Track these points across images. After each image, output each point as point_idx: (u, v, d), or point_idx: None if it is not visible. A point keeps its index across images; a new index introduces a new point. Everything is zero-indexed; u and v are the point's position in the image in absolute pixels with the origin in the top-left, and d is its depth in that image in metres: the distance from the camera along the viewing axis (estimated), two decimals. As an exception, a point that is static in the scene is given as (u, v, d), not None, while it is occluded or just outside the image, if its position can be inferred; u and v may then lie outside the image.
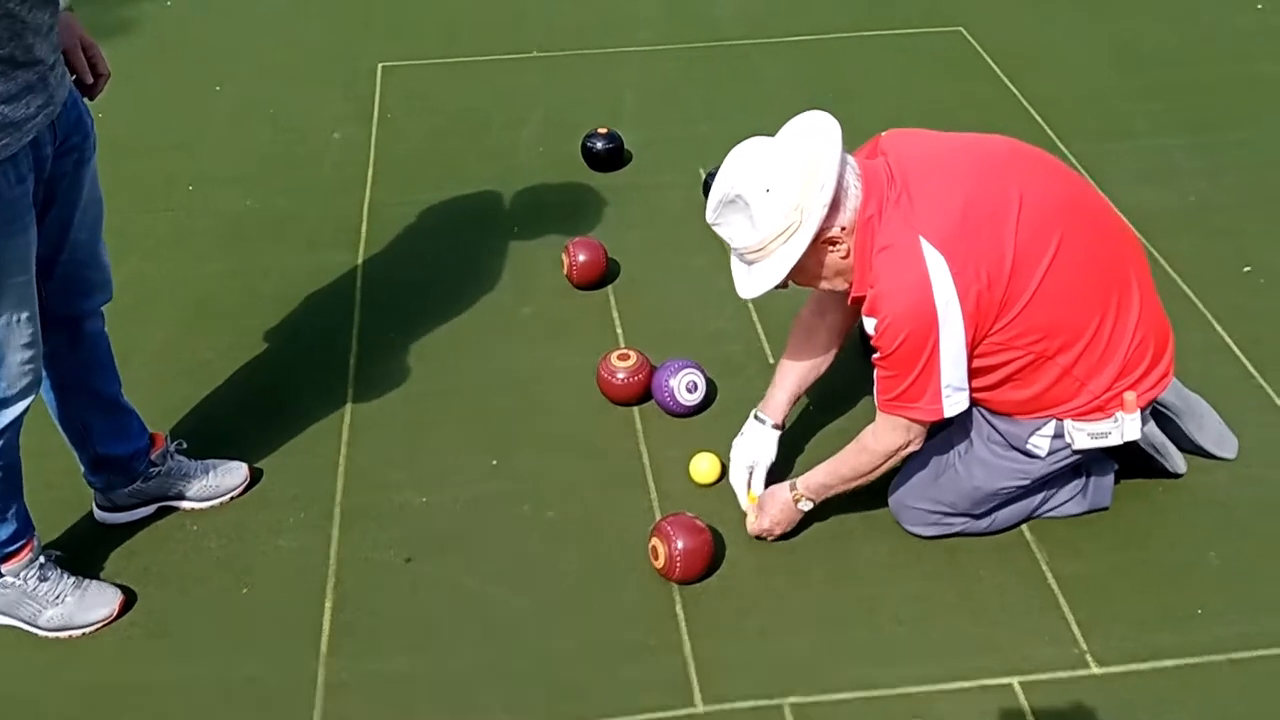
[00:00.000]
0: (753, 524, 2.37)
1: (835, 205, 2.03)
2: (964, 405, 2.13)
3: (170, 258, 3.28)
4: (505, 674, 2.16)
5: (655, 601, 2.29)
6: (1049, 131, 3.76)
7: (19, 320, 1.93)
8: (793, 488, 2.34)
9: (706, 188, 2.12)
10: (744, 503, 2.41)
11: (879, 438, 2.23)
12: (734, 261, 2.17)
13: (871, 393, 2.21)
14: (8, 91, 1.77)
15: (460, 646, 2.21)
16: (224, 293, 3.13)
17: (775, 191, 2.02)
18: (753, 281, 2.12)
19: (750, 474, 2.44)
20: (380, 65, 4.21)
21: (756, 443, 2.45)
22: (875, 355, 2.12)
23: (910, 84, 4.08)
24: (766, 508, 2.37)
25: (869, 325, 2.10)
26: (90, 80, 2.05)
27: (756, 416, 2.47)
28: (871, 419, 2.24)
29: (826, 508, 2.41)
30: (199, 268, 3.23)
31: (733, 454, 2.46)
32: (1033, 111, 3.87)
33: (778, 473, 2.46)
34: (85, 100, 2.08)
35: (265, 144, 3.80)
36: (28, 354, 1.98)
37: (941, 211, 2.05)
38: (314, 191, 3.54)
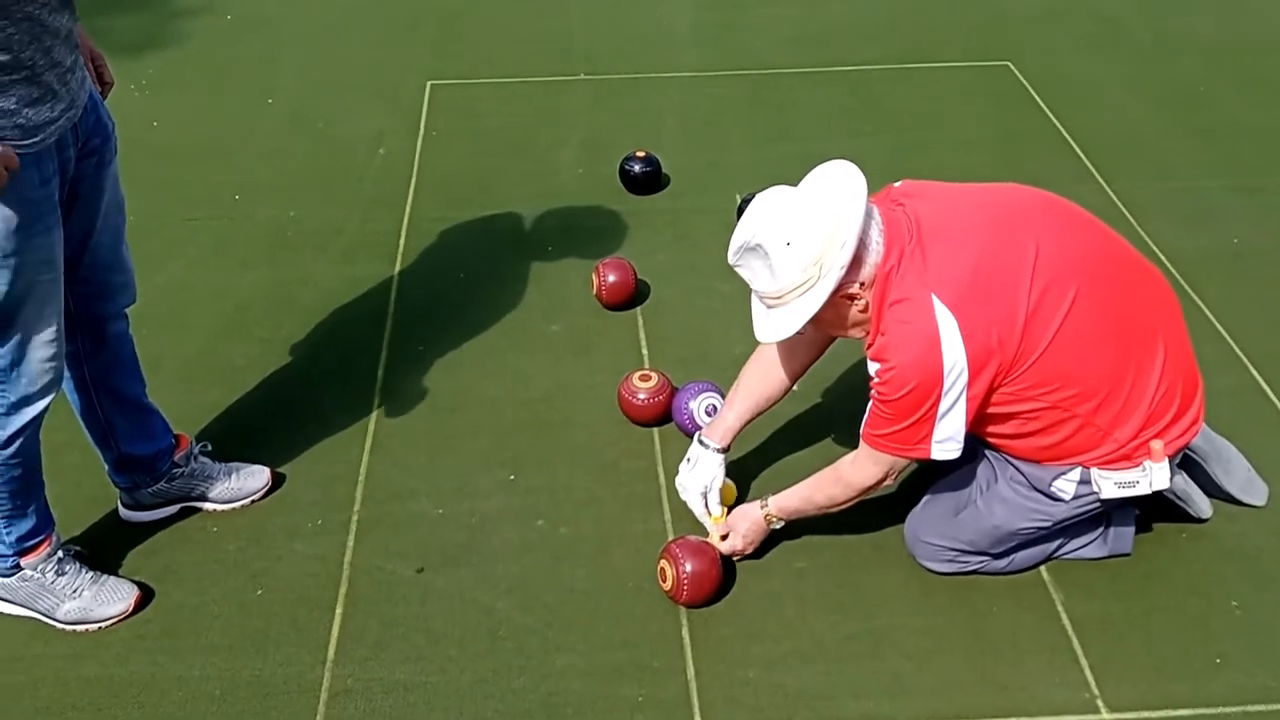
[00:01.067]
0: (724, 544, 2.36)
1: (855, 262, 2.04)
2: (955, 454, 2.12)
3: (211, 265, 3.35)
4: (507, 688, 2.16)
5: (661, 623, 2.28)
6: (1092, 169, 3.72)
7: (43, 318, 1.98)
8: (764, 506, 2.34)
9: (740, 212, 2.13)
10: (707, 524, 2.41)
11: (857, 469, 2.22)
12: (754, 302, 2.18)
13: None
14: (30, 95, 1.82)
15: (464, 659, 2.22)
16: (261, 301, 3.18)
17: (795, 245, 2.02)
18: (770, 326, 2.13)
19: (705, 499, 2.43)
20: (429, 83, 4.28)
21: (706, 470, 2.43)
22: (874, 394, 2.12)
23: (955, 118, 4.06)
24: (739, 528, 2.36)
25: (872, 369, 2.10)
26: (98, 89, 2.10)
27: (701, 441, 2.46)
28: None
29: (837, 533, 2.42)
30: (238, 276, 3.29)
31: (685, 481, 2.46)
32: (1077, 149, 3.84)
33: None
34: (105, 104, 2.13)
35: (312, 156, 3.87)
36: (50, 352, 2.02)
37: (953, 270, 2.05)
38: (356, 204, 3.60)
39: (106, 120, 2.10)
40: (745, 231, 2.07)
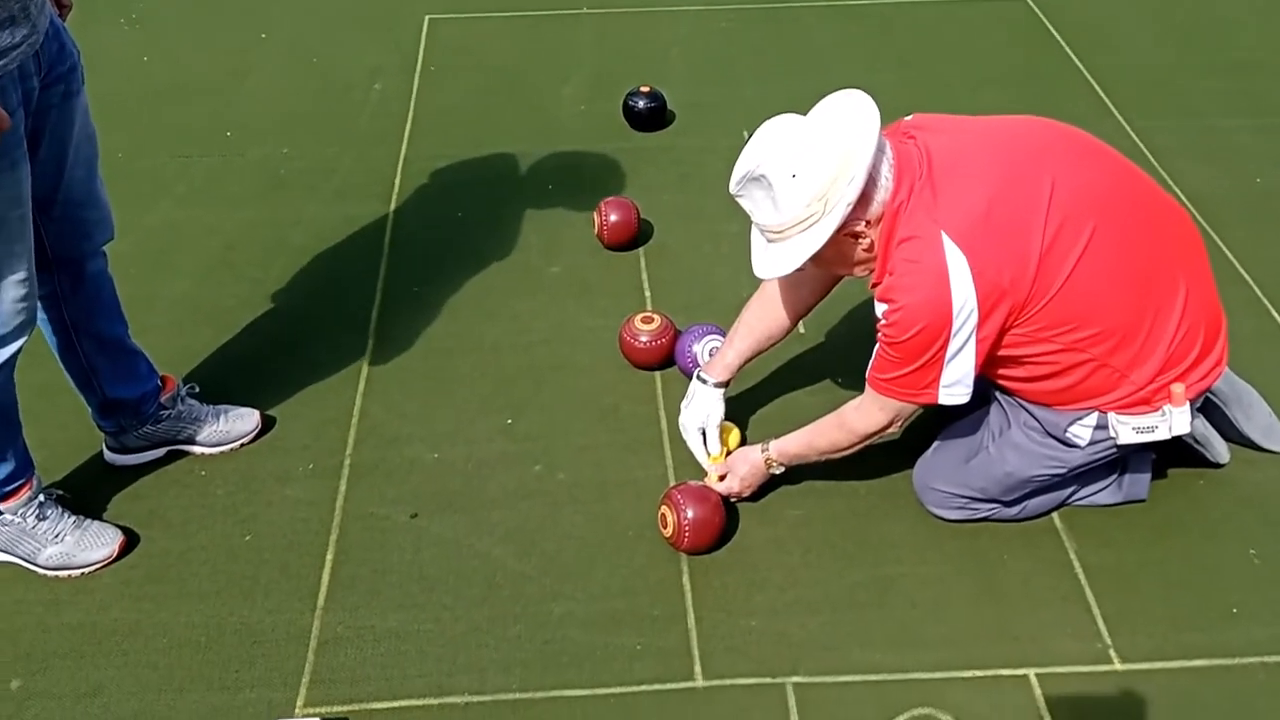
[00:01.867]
0: (721, 485, 2.29)
1: (863, 199, 1.94)
2: (964, 399, 2.04)
3: (203, 203, 3.26)
4: (503, 636, 2.11)
5: (662, 571, 2.22)
6: (1111, 107, 3.61)
7: (13, 256, 1.90)
8: (764, 449, 2.27)
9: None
10: (705, 463, 2.35)
11: (863, 415, 2.15)
12: (754, 234, 2.09)
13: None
14: None
15: (459, 606, 2.16)
16: (253, 240, 3.10)
17: (801, 178, 1.92)
18: (769, 261, 2.04)
19: (704, 435, 2.38)
20: (427, 18, 4.16)
21: (704, 404, 2.38)
22: (881, 336, 2.03)
23: (970, 53, 3.94)
24: (737, 469, 2.30)
25: (879, 310, 2.02)
26: (57, 13, 2.00)
27: (700, 377, 2.40)
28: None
29: (844, 479, 2.35)
30: (230, 214, 3.20)
31: (683, 419, 2.40)
32: (1096, 86, 3.72)
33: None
34: (68, 30, 2.02)
35: (306, 93, 3.76)
36: (21, 292, 1.94)
37: (965, 206, 1.95)
38: (351, 142, 3.50)
39: (71, 47, 2.00)
40: (749, 160, 1.97)
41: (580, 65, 3.88)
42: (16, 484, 2.15)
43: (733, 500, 2.32)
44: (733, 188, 2.03)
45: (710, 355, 2.53)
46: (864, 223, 1.98)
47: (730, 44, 4.00)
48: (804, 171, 1.92)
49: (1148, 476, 2.31)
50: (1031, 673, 2.04)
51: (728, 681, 2.04)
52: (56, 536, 2.18)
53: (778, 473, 2.30)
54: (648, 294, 2.91)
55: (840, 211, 1.92)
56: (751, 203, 2.01)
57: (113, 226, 2.21)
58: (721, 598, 2.17)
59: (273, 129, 3.57)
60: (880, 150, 1.95)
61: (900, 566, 2.23)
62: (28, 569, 2.20)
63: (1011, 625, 2.12)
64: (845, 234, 1.98)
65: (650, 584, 2.20)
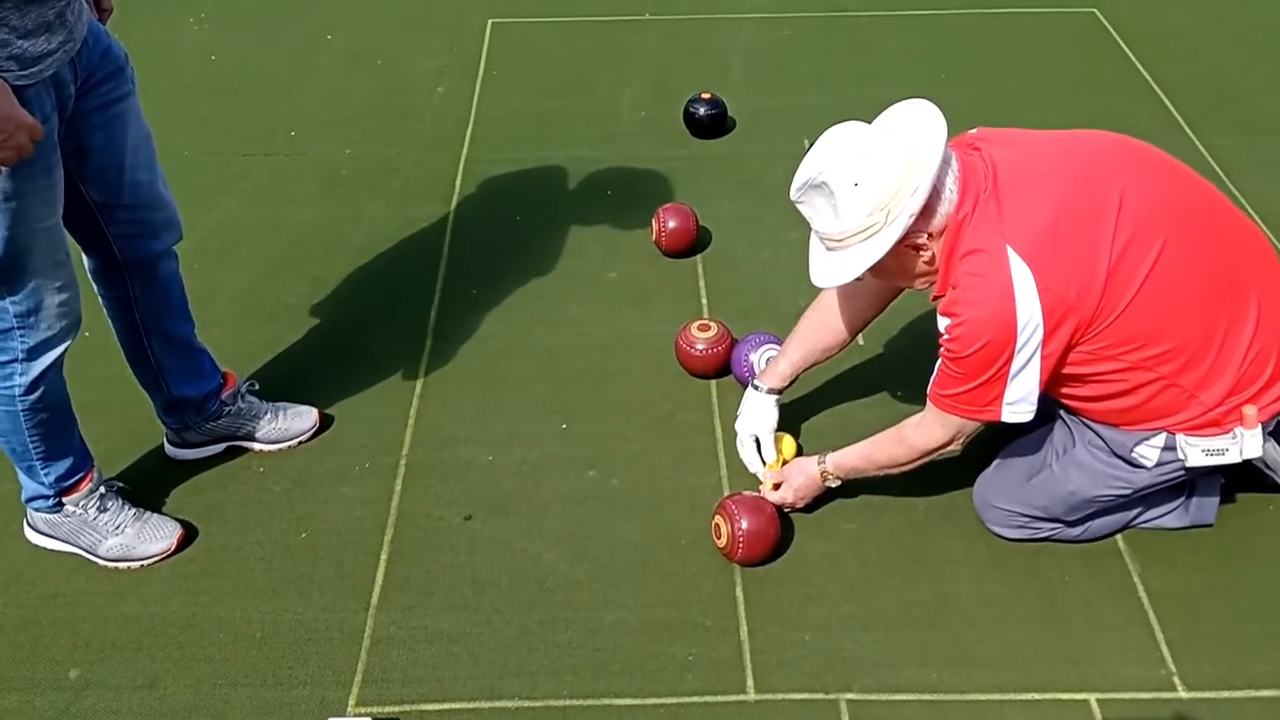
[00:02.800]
0: (775, 495, 2.27)
1: (926, 211, 1.91)
2: (1028, 417, 2.00)
3: (265, 201, 3.29)
4: (554, 642, 2.10)
5: (715, 581, 2.20)
6: (1182, 123, 3.54)
7: (52, 265, 1.92)
8: (821, 462, 2.25)
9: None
10: (760, 473, 2.34)
11: (922, 431, 2.11)
12: (813, 241, 2.07)
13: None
14: (24, 26, 1.72)
15: (511, 610, 2.15)
16: (314, 239, 3.13)
17: (864, 187, 1.90)
18: (827, 270, 2.02)
19: (758, 443, 2.36)
20: (490, 21, 4.18)
21: (757, 411, 2.37)
22: (943, 351, 2.00)
23: (1036, 65, 3.88)
24: (792, 480, 2.27)
25: (942, 324, 1.98)
26: (96, 16, 2.00)
27: (753, 385, 2.39)
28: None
29: (902, 495, 2.32)
30: (292, 213, 3.23)
31: (737, 426, 2.39)
32: (1166, 100, 3.65)
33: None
34: (113, 36, 2.02)
35: (370, 94, 3.79)
36: (63, 296, 1.97)
37: (1031, 220, 1.91)
38: (413, 144, 3.52)
39: (116, 50, 2.00)
40: (811, 167, 1.95)
41: (641, 71, 3.88)
42: (77, 477, 2.18)
43: (786, 511, 2.29)
44: (793, 194, 2.01)
45: (766, 364, 2.51)
46: (926, 235, 1.95)
47: (791, 52, 3.98)
48: (867, 180, 1.90)
49: (1216, 500, 2.26)
50: (1092, 698, 2.00)
51: (780, 696, 2.01)
52: (117, 528, 2.20)
53: (833, 486, 2.27)
54: (705, 301, 2.89)
55: (902, 222, 1.90)
56: (812, 210, 1.99)
57: (180, 227, 2.22)
58: (775, 611, 2.15)
59: (336, 129, 3.60)
60: (946, 161, 1.93)
61: (958, 584, 2.19)
62: (89, 560, 2.23)
63: (1072, 649, 2.08)
64: (906, 245, 1.95)
65: (703, 594, 2.18)
